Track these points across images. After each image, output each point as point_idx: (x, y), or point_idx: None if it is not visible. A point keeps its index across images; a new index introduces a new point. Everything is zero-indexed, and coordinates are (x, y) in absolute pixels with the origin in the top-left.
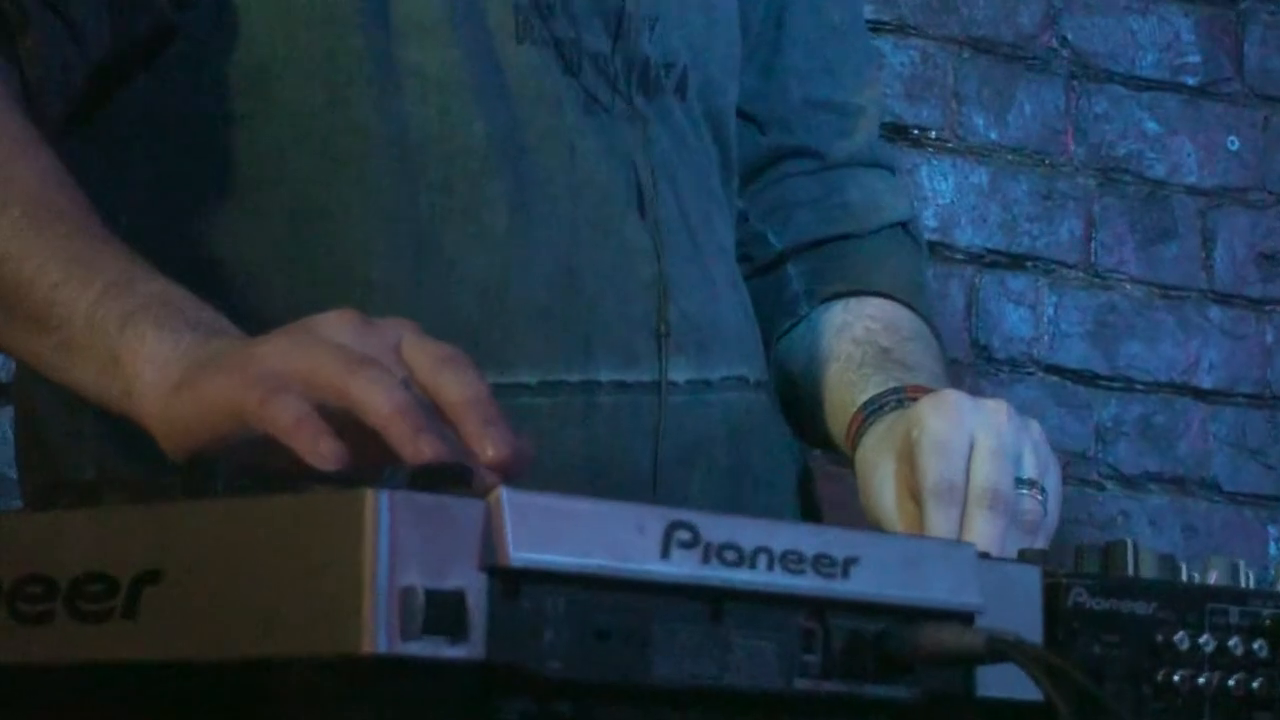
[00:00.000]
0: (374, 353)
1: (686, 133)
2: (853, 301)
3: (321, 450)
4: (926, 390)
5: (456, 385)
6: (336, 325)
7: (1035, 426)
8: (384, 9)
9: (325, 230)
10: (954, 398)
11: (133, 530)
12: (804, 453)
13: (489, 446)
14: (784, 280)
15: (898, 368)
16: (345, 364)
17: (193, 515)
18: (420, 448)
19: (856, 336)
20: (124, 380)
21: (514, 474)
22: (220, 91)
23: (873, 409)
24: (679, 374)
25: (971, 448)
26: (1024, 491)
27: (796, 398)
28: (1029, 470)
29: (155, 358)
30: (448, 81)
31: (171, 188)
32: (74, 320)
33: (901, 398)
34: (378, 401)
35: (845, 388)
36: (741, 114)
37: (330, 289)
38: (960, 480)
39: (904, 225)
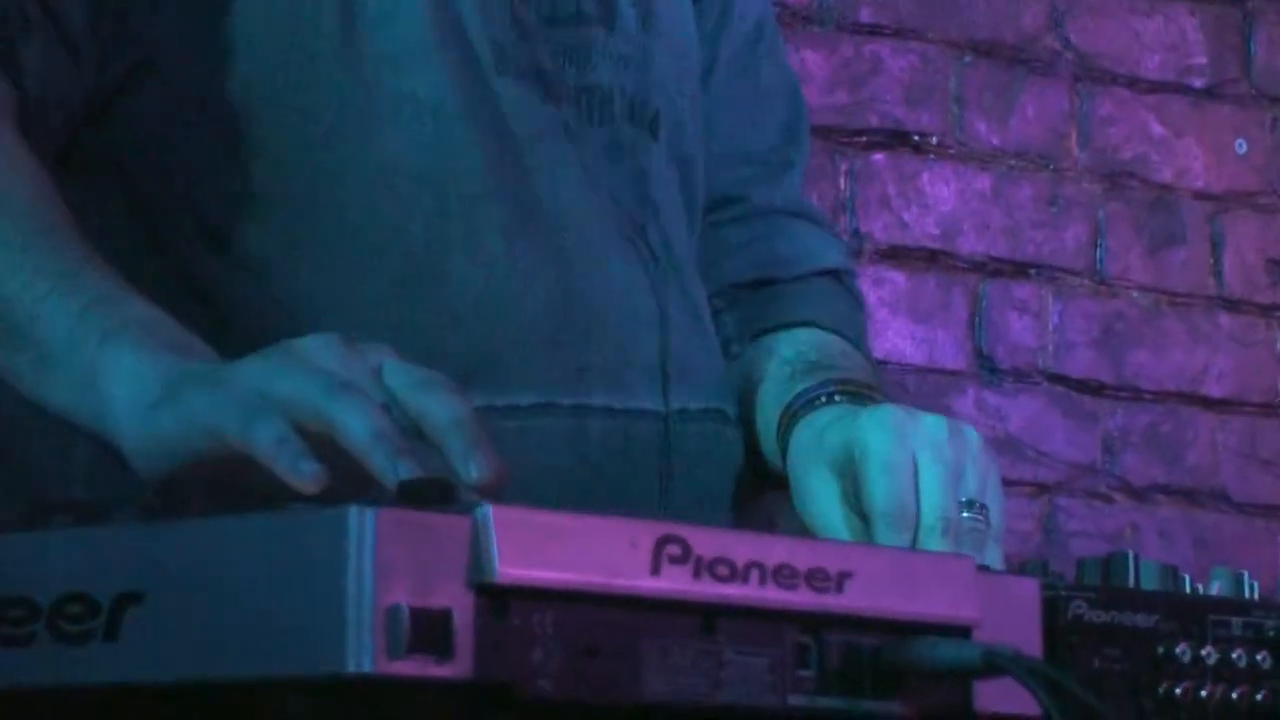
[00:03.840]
0: (355, 376)
1: (662, 170)
2: (783, 333)
3: (302, 471)
4: (854, 383)
5: (440, 407)
6: (318, 348)
7: (973, 435)
8: (360, 41)
9: (313, 265)
10: (894, 413)
11: (115, 551)
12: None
13: (473, 467)
14: (719, 328)
15: (826, 371)
16: (326, 389)
17: (175, 535)
18: (398, 471)
19: (785, 357)
20: (99, 398)
21: (496, 495)
22: (194, 132)
23: (802, 402)
24: (662, 403)
25: (916, 467)
26: (965, 515)
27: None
28: (971, 489)
29: (132, 377)
30: (441, 107)
31: (144, 223)
32: (55, 335)
33: (831, 391)
34: (357, 426)
35: (775, 398)
36: None
37: (322, 315)
38: (911, 502)
39: (835, 274)
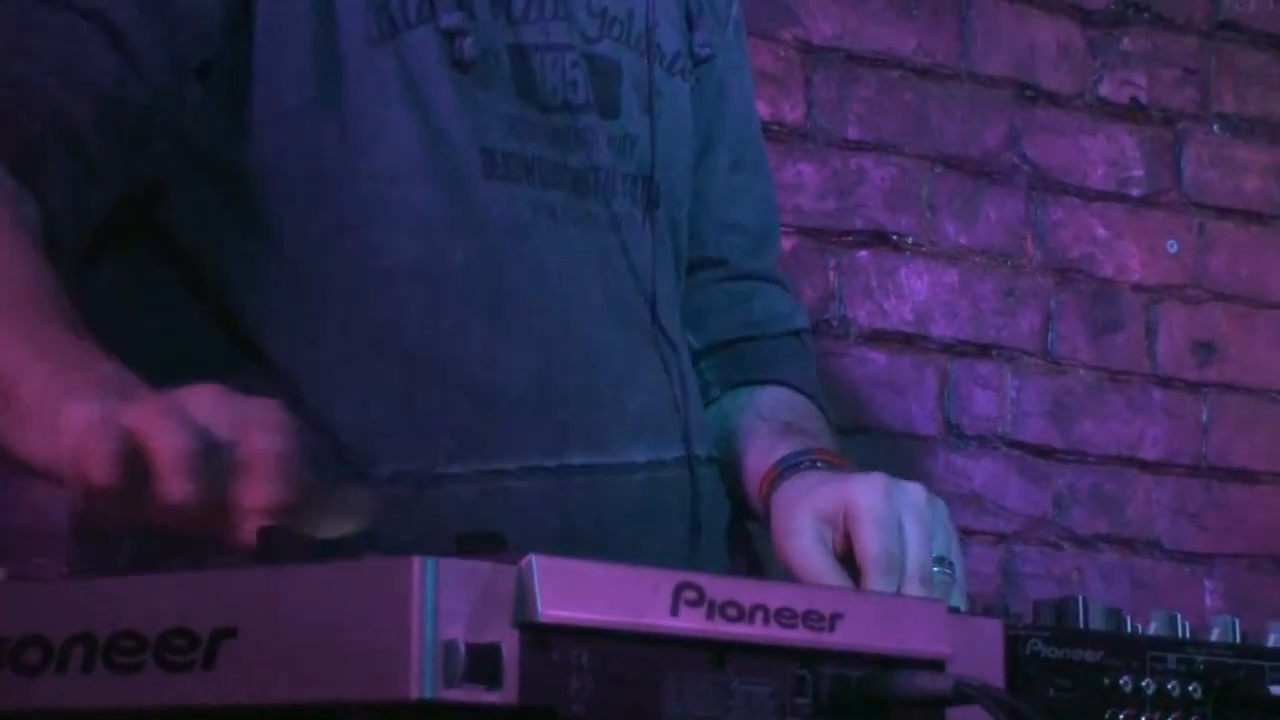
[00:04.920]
0: (207, 415)
1: (657, 239)
2: (757, 388)
3: (94, 467)
4: (829, 452)
5: (256, 441)
6: (199, 393)
7: (941, 504)
8: (357, 159)
9: (331, 359)
10: (882, 479)
11: (213, 591)
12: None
13: (252, 493)
14: (700, 373)
15: (802, 435)
16: (153, 416)
17: (266, 579)
18: (172, 483)
19: (762, 413)
20: (57, 446)
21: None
22: (219, 236)
23: (787, 465)
24: (639, 455)
25: (900, 525)
26: (936, 569)
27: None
28: (940, 547)
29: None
30: (428, 215)
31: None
32: (28, 393)
33: (813, 458)
34: (157, 443)
35: (758, 453)
36: None
37: (337, 400)
38: (899, 554)
39: (798, 334)
